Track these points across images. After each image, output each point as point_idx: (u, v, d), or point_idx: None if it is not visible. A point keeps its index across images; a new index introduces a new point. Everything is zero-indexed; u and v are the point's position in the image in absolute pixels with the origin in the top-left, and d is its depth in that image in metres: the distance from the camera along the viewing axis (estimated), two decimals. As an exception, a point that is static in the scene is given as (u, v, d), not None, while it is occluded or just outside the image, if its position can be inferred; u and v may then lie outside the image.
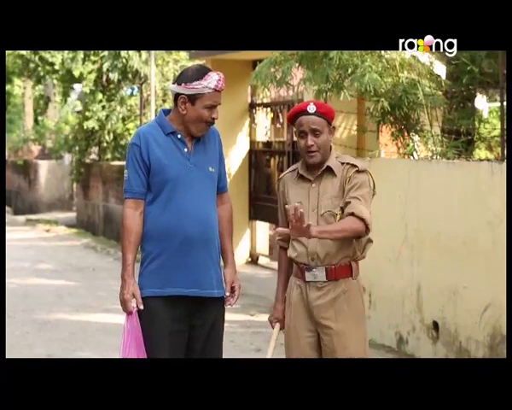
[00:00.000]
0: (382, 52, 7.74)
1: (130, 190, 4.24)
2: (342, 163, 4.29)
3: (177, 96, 4.23)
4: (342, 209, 4.21)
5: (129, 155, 4.28)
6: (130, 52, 16.01)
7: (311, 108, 4.28)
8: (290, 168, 4.46)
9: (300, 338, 4.29)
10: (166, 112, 4.33)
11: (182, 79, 4.22)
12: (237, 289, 4.36)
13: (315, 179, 4.29)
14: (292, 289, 4.36)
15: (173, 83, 4.28)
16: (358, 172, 4.24)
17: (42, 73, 19.85)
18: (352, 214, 4.15)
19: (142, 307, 4.17)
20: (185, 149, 4.25)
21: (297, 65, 8.21)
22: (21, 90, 28.38)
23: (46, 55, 18.95)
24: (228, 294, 4.34)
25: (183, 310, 4.20)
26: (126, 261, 4.20)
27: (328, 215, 4.22)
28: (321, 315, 4.23)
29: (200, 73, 4.21)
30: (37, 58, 19.34)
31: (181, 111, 4.22)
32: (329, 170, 4.27)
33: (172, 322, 4.17)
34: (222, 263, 4.40)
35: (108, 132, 17.44)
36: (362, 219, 4.14)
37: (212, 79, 4.19)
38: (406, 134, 8.16)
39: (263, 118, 13.23)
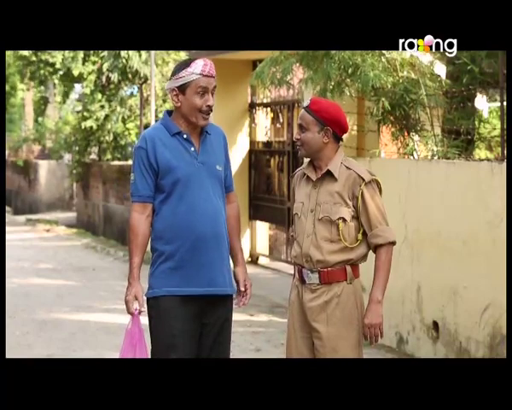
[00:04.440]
0: (383, 51, 7.75)
1: (137, 193, 4.24)
2: (348, 168, 4.24)
3: (171, 92, 4.27)
4: (344, 219, 4.18)
5: (135, 159, 4.26)
6: (130, 52, 16.02)
7: (306, 103, 4.29)
8: (303, 165, 4.45)
9: (298, 339, 4.28)
10: (170, 113, 4.35)
11: (171, 74, 4.28)
12: (249, 287, 4.36)
13: (316, 181, 4.27)
14: (292, 289, 4.37)
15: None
16: (366, 184, 4.20)
17: (42, 72, 19.84)
18: (381, 246, 4.18)
19: (143, 309, 4.17)
20: (192, 149, 4.25)
21: (297, 64, 8.22)
22: (24, 93, 28.38)
23: (46, 55, 18.95)
24: (242, 289, 4.33)
25: (196, 309, 4.19)
26: (132, 264, 4.20)
27: (325, 221, 4.20)
28: (313, 318, 4.22)
29: (186, 62, 4.26)
30: (38, 59, 19.33)
31: (175, 104, 4.25)
32: (330, 174, 4.25)
33: (185, 321, 4.16)
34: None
35: (108, 132, 17.45)
36: (390, 243, 4.19)
37: (198, 65, 4.20)
38: (406, 134, 8.16)
39: (263, 118, 13.23)
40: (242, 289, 4.34)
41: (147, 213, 4.23)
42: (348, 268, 4.22)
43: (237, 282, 4.35)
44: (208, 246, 4.19)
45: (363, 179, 4.20)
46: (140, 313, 4.17)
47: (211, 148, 4.31)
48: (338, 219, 4.19)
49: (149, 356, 4.17)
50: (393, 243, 4.22)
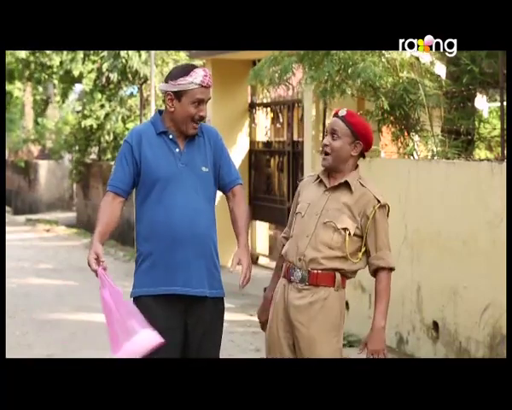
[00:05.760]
0: (383, 51, 7.75)
1: (112, 183, 4.30)
2: (363, 185, 4.25)
3: (165, 94, 4.26)
4: (349, 232, 4.19)
5: (120, 152, 4.34)
6: (130, 52, 16.02)
7: (342, 112, 4.29)
8: (314, 173, 4.47)
9: (280, 339, 4.27)
10: (161, 112, 4.36)
11: (169, 77, 4.27)
12: (245, 268, 4.23)
13: (330, 188, 4.28)
14: (278, 288, 4.35)
15: (162, 82, 4.32)
16: (380, 207, 4.23)
17: (39, 75, 19.85)
18: (382, 269, 4.22)
19: (104, 263, 4.10)
20: (176, 149, 4.26)
21: (297, 64, 8.22)
22: (21, 92, 28.38)
23: (44, 58, 18.94)
24: (231, 269, 4.22)
25: (179, 307, 4.21)
26: (94, 233, 4.22)
27: (329, 226, 4.20)
28: (295, 317, 4.21)
29: (186, 69, 4.25)
30: (36, 61, 19.32)
31: (169, 108, 4.25)
32: (347, 185, 4.25)
33: (166, 319, 4.17)
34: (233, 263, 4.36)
35: (108, 132, 17.46)
36: (390, 269, 4.23)
37: (198, 75, 4.20)
38: (406, 134, 8.16)
39: (263, 118, 13.23)
40: (231, 269, 4.21)
41: (118, 200, 4.28)
42: (337, 275, 4.22)
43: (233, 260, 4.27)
44: (185, 247, 4.19)
45: (379, 201, 4.23)
46: (105, 268, 4.10)
47: (197, 149, 4.30)
48: (343, 228, 4.20)
49: (128, 305, 4.11)
50: (392, 270, 4.26)
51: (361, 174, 4.32)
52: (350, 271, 4.25)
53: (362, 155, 4.33)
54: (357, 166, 4.32)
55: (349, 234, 4.19)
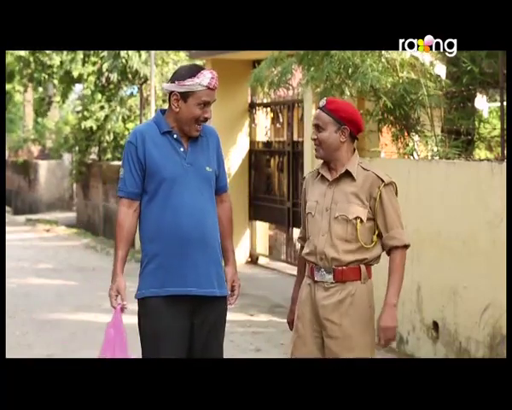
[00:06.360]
0: (383, 52, 7.75)
1: (125, 189, 4.27)
2: (365, 169, 4.24)
3: (170, 94, 4.25)
4: (361, 219, 4.18)
5: (125, 154, 4.29)
6: (130, 52, 16.03)
7: (322, 103, 4.27)
8: (314, 168, 4.45)
9: (307, 338, 4.26)
10: (163, 112, 4.35)
11: (175, 77, 4.25)
12: (237, 288, 4.38)
13: (333, 181, 4.26)
14: (303, 288, 4.34)
15: (167, 82, 4.31)
16: (385, 186, 4.20)
17: (39, 76, 19.83)
18: (396, 248, 4.23)
19: (125, 304, 4.19)
20: (181, 149, 4.25)
21: (297, 65, 8.22)
22: (21, 95, 28.40)
23: (44, 57, 18.92)
24: (229, 290, 4.35)
25: (185, 307, 4.20)
26: (116, 258, 4.23)
27: (341, 220, 4.19)
28: (326, 316, 4.20)
29: (193, 70, 4.24)
30: (36, 62, 19.31)
31: (174, 108, 4.24)
32: (348, 174, 4.23)
33: (174, 320, 4.18)
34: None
35: (108, 132, 17.46)
36: (404, 246, 4.25)
37: (205, 77, 4.19)
38: (406, 134, 8.17)
39: (263, 118, 13.23)
40: (229, 289, 4.35)
41: (134, 208, 4.26)
42: (363, 267, 4.22)
43: (226, 282, 4.36)
44: (193, 247, 4.19)
45: (383, 181, 4.20)
46: (123, 308, 4.17)
47: (201, 149, 4.30)
48: (354, 218, 4.18)
49: (129, 355, 4.17)
50: (408, 247, 4.24)
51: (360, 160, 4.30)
52: (372, 258, 4.25)
53: (354, 138, 4.28)
54: (354, 151, 4.29)
55: (361, 221, 4.18)
